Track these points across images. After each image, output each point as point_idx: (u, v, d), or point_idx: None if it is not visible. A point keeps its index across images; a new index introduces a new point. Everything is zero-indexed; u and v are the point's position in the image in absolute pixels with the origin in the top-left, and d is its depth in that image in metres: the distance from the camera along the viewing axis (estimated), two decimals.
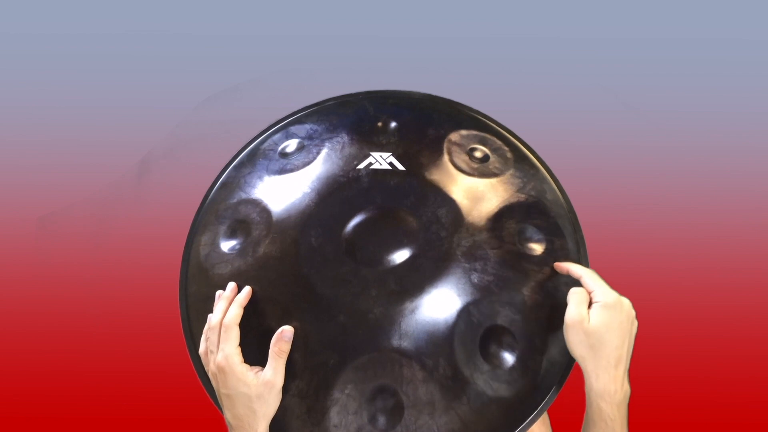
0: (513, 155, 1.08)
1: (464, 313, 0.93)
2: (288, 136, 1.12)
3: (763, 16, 1.87)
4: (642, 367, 1.58)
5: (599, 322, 0.90)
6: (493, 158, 1.07)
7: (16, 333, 1.66)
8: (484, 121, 1.13)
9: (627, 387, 0.93)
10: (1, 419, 1.61)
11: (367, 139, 1.06)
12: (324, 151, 1.06)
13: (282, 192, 1.03)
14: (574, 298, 0.92)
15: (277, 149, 1.10)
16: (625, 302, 0.93)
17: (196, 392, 1.03)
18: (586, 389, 0.92)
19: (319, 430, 0.91)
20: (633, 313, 0.94)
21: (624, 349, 0.91)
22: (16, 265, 1.71)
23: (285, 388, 0.91)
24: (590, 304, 0.92)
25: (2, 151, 1.82)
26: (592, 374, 0.91)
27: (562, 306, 0.95)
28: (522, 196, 1.03)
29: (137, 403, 1.61)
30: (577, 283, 0.95)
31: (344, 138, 1.06)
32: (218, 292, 0.97)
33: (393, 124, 1.08)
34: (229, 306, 0.94)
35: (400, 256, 0.94)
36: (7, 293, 1.69)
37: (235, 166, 1.12)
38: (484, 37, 1.89)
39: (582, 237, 1.05)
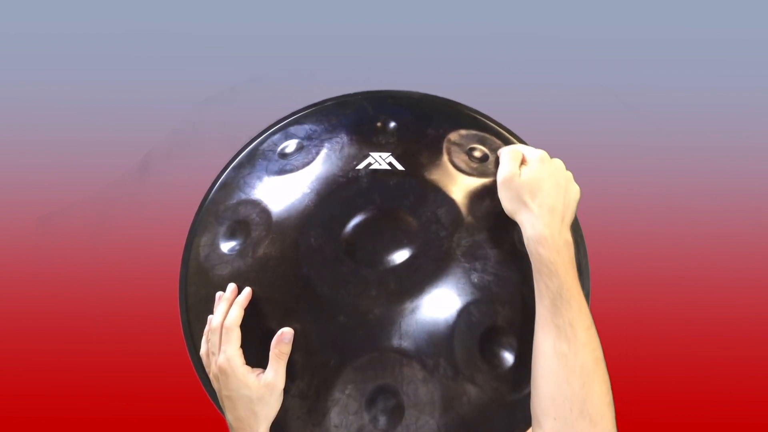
0: None
1: (464, 312, 0.93)
2: (287, 137, 1.12)
3: (763, 16, 1.87)
4: (642, 367, 1.59)
5: (528, 174, 0.92)
6: (492, 158, 1.07)
7: (16, 333, 1.66)
8: (484, 121, 1.13)
9: (567, 236, 0.91)
10: (1, 419, 1.61)
11: (367, 139, 1.06)
12: (323, 152, 1.06)
13: (281, 193, 1.03)
14: (506, 155, 0.95)
15: (276, 150, 1.10)
16: (556, 160, 0.96)
17: (196, 393, 1.03)
18: (525, 242, 0.91)
19: (320, 430, 0.91)
20: (568, 174, 0.95)
21: (557, 199, 0.92)
22: (16, 265, 1.71)
23: (285, 389, 0.91)
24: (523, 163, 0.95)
25: (2, 151, 1.82)
26: (527, 224, 0.91)
27: None
28: None
29: (137, 403, 1.60)
30: None
31: (343, 138, 1.06)
32: (218, 294, 0.97)
33: (392, 124, 1.08)
34: (229, 307, 0.94)
35: (400, 256, 0.94)
36: (7, 293, 1.68)
37: (234, 167, 1.11)
38: (484, 37, 1.89)
39: (582, 236, 1.05)
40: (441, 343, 0.92)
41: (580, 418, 0.83)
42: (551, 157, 0.97)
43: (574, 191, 0.95)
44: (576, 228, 1.05)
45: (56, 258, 1.73)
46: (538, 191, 0.91)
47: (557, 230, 0.90)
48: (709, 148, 1.77)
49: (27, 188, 1.79)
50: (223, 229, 1.04)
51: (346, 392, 0.91)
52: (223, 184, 1.10)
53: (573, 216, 0.94)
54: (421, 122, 1.09)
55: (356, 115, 1.11)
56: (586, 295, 1.00)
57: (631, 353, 1.61)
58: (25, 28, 1.95)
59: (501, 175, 0.94)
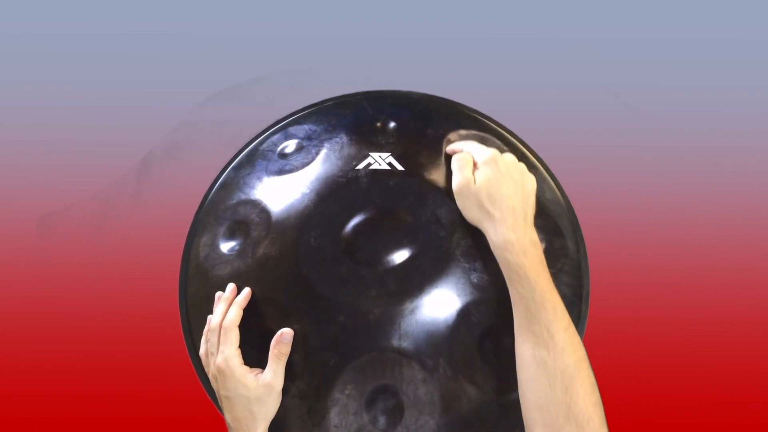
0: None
1: (464, 312, 0.93)
2: (287, 137, 1.12)
3: (763, 16, 1.87)
4: (643, 367, 1.59)
5: (483, 178, 0.91)
6: None
7: (16, 333, 1.66)
8: (483, 121, 1.13)
9: (532, 236, 0.90)
10: (1, 419, 1.61)
11: (366, 139, 1.06)
12: (323, 152, 1.06)
13: (281, 193, 1.03)
14: (457, 164, 0.94)
15: (276, 150, 1.10)
16: (507, 156, 0.95)
17: (196, 392, 1.03)
18: (492, 250, 0.91)
19: (320, 430, 0.91)
20: (520, 166, 0.95)
21: (516, 198, 0.91)
22: (16, 265, 1.71)
23: (285, 389, 0.92)
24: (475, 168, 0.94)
25: (2, 151, 1.82)
26: (490, 230, 0.91)
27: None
28: None
29: (137, 403, 1.60)
30: None
31: (343, 138, 1.07)
32: (218, 294, 0.97)
33: (392, 125, 1.08)
34: (228, 307, 0.94)
35: (400, 256, 0.95)
36: (7, 293, 1.69)
37: (234, 167, 1.12)
38: (484, 37, 1.89)
39: (581, 236, 1.05)
40: (441, 343, 0.92)
41: (566, 423, 0.83)
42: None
43: (531, 183, 0.95)
44: (576, 228, 1.05)
45: (56, 258, 1.73)
46: (496, 194, 0.91)
47: (521, 232, 0.90)
48: (709, 148, 1.77)
49: (27, 188, 1.79)
50: (222, 229, 1.04)
51: (346, 392, 0.91)
52: (223, 184, 1.10)
53: (534, 209, 0.94)
54: (421, 122, 1.09)
55: (356, 116, 1.11)
56: (586, 296, 1.00)
57: (631, 353, 1.61)
58: (25, 28, 1.95)
59: (455, 184, 0.94)
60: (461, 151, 0.99)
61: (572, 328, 0.87)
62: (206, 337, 0.95)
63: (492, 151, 0.95)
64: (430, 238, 0.95)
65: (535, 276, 0.88)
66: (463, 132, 1.09)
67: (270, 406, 0.91)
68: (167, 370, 1.54)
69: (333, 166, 1.03)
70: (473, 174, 0.93)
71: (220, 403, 0.94)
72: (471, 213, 0.93)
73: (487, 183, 0.91)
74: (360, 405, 0.91)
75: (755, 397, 1.59)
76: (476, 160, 0.95)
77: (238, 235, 1.02)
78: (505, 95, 1.75)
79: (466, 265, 0.94)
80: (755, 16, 1.89)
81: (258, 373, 0.91)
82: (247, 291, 0.95)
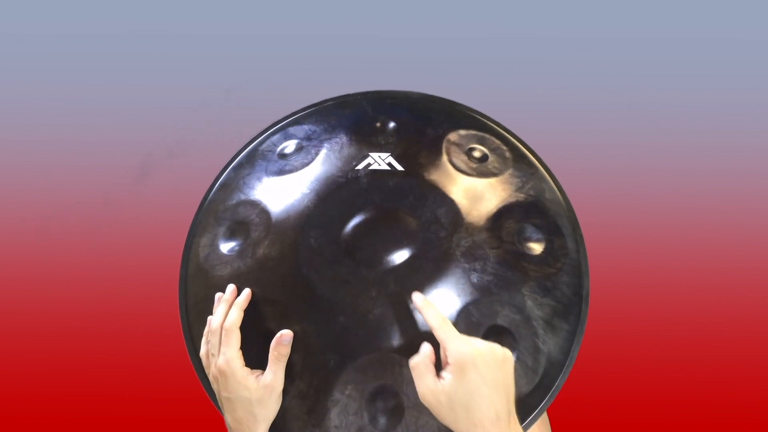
0: (512, 155, 1.09)
1: (464, 313, 0.93)
2: (286, 137, 1.12)
3: (763, 16, 1.87)
4: (643, 368, 1.59)
5: (456, 388, 0.79)
6: (491, 158, 1.07)
7: (16, 333, 1.66)
8: (483, 121, 1.13)
9: (516, 430, 0.82)
10: (1, 419, 1.61)
11: (366, 139, 1.06)
12: (323, 152, 1.06)
13: (281, 193, 1.03)
14: (415, 373, 0.82)
15: (275, 150, 1.10)
16: (482, 350, 0.80)
17: (196, 393, 1.03)
18: None
19: (320, 431, 0.91)
20: (498, 354, 0.81)
21: (499, 403, 0.80)
22: (16, 265, 1.71)
23: (285, 390, 0.92)
24: (446, 362, 0.81)
25: (2, 151, 1.82)
26: None
27: (562, 304, 0.95)
28: (521, 196, 1.04)
29: (137, 403, 1.61)
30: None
31: (343, 139, 1.07)
32: (218, 295, 0.97)
33: (391, 125, 1.08)
34: (229, 309, 0.94)
35: (400, 256, 0.95)
36: (7, 293, 1.69)
37: (234, 167, 1.12)
38: (484, 37, 1.88)
39: (581, 236, 1.05)
40: None
41: None
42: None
43: (509, 370, 0.82)
44: (576, 228, 1.05)
45: (56, 258, 1.73)
46: (475, 406, 0.79)
47: None
48: (709, 148, 1.77)
49: (27, 188, 1.80)
50: (222, 230, 1.04)
51: (346, 393, 0.91)
52: (223, 185, 1.10)
53: (514, 389, 0.83)
54: (421, 122, 1.09)
55: (355, 116, 1.11)
56: (586, 296, 1.00)
57: (631, 353, 1.61)
58: (25, 28, 1.95)
59: (421, 397, 0.82)
60: (430, 326, 0.84)
61: None
62: (207, 338, 0.95)
63: (467, 352, 0.80)
64: (430, 238, 0.95)
65: None
66: (462, 132, 1.09)
67: (271, 408, 0.91)
68: (167, 370, 1.54)
69: (333, 167, 1.03)
70: (441, 379, 0.81)
71: (220, 405, 0.94)
72: (449, 422, 0.81)
73: (462, 393, 0.79)
74: (360, 405, 0.91)
75: (755, 397, 1.59)
76: (448, 359, 0.81)
77: (237, 236, 1.02)
78: (505, 95, 1.75)
79: (466, 265, 0.94)
80: (755, 16, 1.89)
81: (259, 375, 0.91)
82: (247, 292, 0.95)
